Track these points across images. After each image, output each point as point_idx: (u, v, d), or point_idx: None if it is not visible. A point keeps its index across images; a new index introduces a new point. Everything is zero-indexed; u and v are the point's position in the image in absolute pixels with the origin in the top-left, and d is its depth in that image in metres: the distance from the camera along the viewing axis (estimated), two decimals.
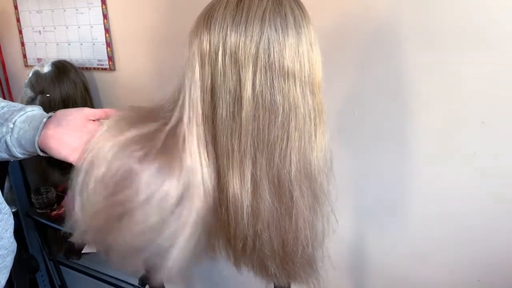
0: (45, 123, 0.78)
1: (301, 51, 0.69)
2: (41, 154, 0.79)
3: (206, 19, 0.71)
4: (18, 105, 0.84)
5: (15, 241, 0.85)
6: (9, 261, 0.81)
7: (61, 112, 0.80)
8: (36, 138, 0.77)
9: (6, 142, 0.78)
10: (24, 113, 0.80)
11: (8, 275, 0.84)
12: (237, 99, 0.69)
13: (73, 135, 0.76)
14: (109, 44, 1.80)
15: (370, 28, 1.23)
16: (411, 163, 1.28)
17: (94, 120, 0.81)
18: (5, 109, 0.82)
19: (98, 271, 1.96)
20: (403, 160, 1.29)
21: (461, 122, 1.17)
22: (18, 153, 0.80)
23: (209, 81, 0.70)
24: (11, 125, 0.78)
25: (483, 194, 1.19)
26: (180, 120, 0.74)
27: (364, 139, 1.34)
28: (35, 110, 0.83)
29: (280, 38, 0.68)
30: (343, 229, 1.46)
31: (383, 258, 1.43)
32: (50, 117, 0.79)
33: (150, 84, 1.76)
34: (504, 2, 1.05)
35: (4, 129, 0.78)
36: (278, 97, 0.69)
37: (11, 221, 0.81)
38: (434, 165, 1.24)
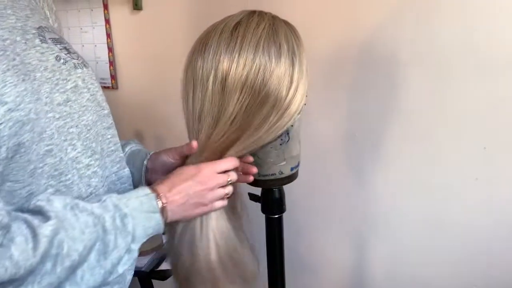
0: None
1: (290, 80, 0.69)
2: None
3: (201, 46, 0.71)
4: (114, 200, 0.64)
5: None
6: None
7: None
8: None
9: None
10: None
11: None
12: (216, 122, 0.71)
13: None
14: (112, 63, 1.81)
15: (371, 53, 1.23)
16: (412, 188, 1.26)
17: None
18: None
19: None
20: (404, 185, 1.27)
21: (462, 148, 1.16)
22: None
23: (198, 106, 0.71)
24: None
25: (485, 220, 1.17)
26: None
27: (365, 162, 1.33)
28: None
29: (273, 66, 0.67)
30: (344, 255, 1.44)
31: (385, 285, 1.40)
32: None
33: (152, 103, 1.77)
34: (506, 31, 1.04)
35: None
36: (251, 120, 0.71)
37: None
38: (436, 190, 1.22)
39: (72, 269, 0.55)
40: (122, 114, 1.87)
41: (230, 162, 0.74)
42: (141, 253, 1.45)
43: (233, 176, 0.74)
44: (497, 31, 1.05)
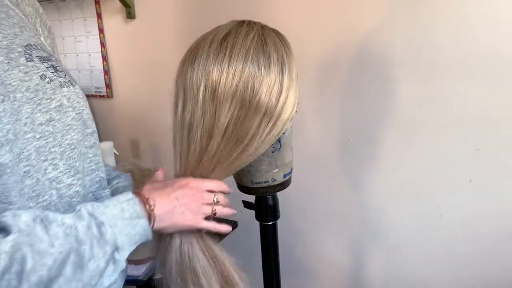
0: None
1: (280, 89, 0.70)
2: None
3: (191, 57, 0.71)
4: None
5: None
6: None
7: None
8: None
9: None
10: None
11: None
12: (209, 133, 0.70)
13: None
14: (106, 71, 1.82)
15: (364, 58, 1.23)
16: (407, 190, 1.26)
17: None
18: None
19: None
20: (398, 187, 1.27)
21: (455, 150, 1.16)
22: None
23: (189, 117, 0.70)
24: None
25: (479, 221, 1.18)
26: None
27: (359, 165, 1.33)
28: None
29: (262, 75, 0.68)
30: (341, 257, 1.44)
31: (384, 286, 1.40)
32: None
33: (148, 111, 1.77)
34: (496, 35, 1.05)
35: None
36: (244, 131, 0.70)
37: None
38: (430, 192, 1.23)
39: (44, 285, 0.51)
40: (118, 122, 1.87)
41: (217, 184, 0.73)
42: (138, 261, 1.46)
43: (220, 197, 0.73)
44: (488, 34, 1.06)
